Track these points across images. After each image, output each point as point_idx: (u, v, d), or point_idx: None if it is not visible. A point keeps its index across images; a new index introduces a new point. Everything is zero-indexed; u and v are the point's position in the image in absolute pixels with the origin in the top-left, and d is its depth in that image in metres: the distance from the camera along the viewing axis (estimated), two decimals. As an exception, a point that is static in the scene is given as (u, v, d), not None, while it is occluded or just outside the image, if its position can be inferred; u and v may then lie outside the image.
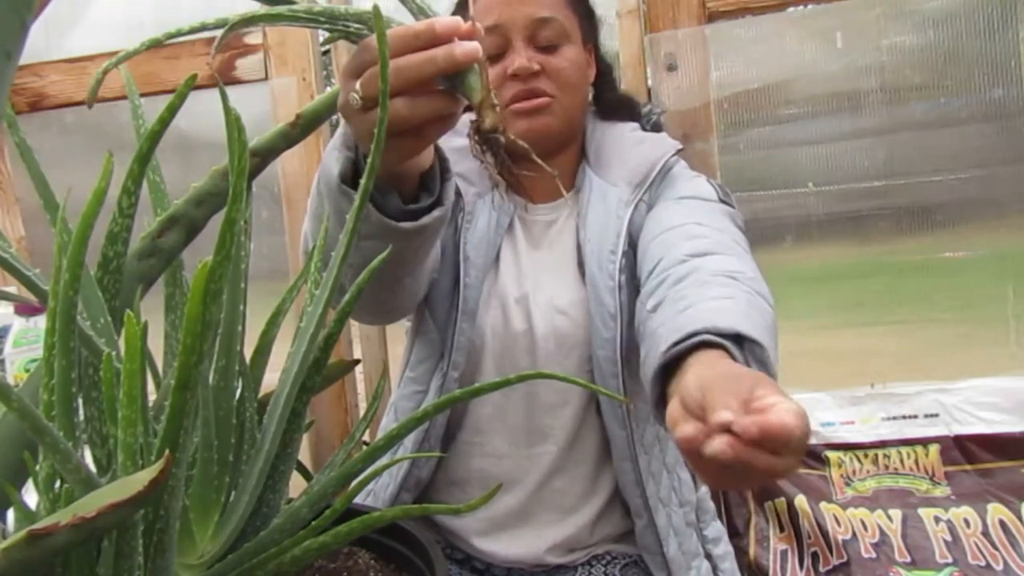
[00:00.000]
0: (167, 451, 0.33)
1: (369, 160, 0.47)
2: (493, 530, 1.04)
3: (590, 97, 1.13)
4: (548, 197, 1.08)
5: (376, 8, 0.48)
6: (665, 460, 1.04)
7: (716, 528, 1.10)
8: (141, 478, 0.32)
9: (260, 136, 0.49)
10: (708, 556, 1.05)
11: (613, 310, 0.98)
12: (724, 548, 1.09)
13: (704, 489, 1.11)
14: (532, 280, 1.04)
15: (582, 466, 1.04)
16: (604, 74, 1.14)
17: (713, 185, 1.04)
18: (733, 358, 0.64)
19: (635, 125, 1.13)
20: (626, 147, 1.08)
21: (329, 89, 0.50)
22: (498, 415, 1.03)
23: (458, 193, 1.03)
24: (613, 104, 1.14)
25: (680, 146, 1.10)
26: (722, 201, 1.01)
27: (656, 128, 1.16)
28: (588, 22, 1.09)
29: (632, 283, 0.99)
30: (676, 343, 0.66)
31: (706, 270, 0.79)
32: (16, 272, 0.44)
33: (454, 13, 1.09)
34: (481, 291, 1.02)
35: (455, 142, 1.04)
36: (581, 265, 1.03)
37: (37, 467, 0.42)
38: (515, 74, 0.99)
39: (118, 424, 0.37)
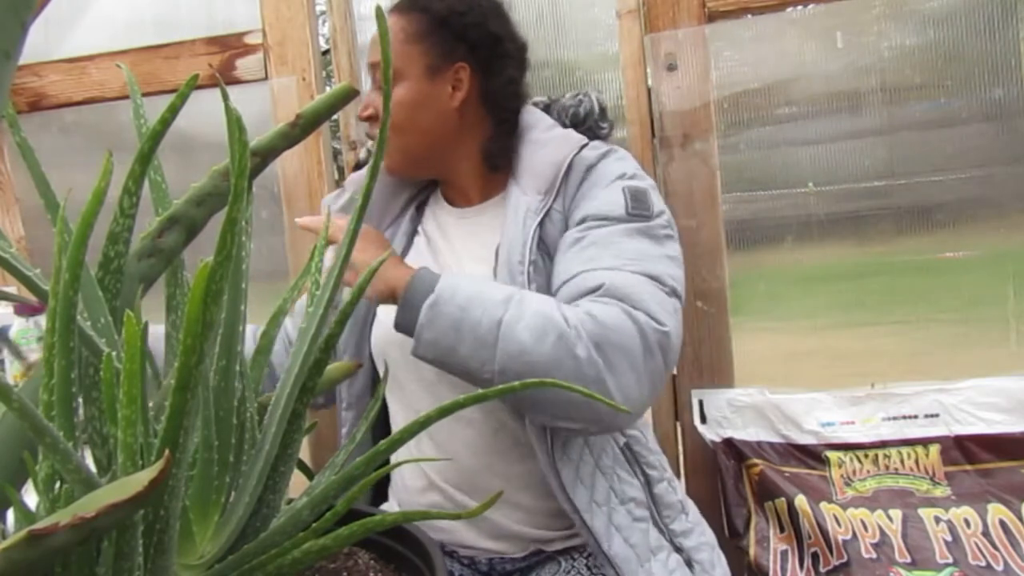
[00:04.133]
0: (167, 451, 0.33)
1: (372, 160, 0.47)
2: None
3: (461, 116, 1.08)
4: (468, 202, 1.15)
5: (379, 8, 0.48)
6: (599, 464, 1.03)
7: (685, 521, 1.08)
8: (141, 478, 0.32)
9: (260, 136, 0.49)
10: (679, 549, 1.04)
11: None
12: (698, 539, 1.07)
13: (663, 485, 1.08)
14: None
15: (507, 456, 1.05)
16: (492, 88, 1.08)
17: (626, 194, 0.99)
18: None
19: (549, 123, 1.10)
20: (534, 152, 1.07)
21: (329, 89, 0.50)
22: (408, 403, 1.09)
23: None
24: (507, 114, 1.10)
25: (584, 140, 1.05)
26: (630, 216, 0.97)
27: (577, 120, 1.15)
28: (447, 44, 1.05)
29: (544, 293, 0.99)
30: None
31: None
32: (16, 272, 0.44)
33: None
34: (365, 338, 1.12)
35: (339, 202, 1.13)
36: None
37: (37, 467, 0.42)
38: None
39: (118, 424, 0.37)
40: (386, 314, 1.08)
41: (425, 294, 0.89)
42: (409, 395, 1.09)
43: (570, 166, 1.03)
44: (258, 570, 0.47)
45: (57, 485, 0.42)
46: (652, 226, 0.98)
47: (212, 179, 0.48)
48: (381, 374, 1.02)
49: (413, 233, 1.16)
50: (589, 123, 1.16)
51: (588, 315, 0.87)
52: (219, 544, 0.48)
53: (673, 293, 0.94)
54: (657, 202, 1.01)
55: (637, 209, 0.98)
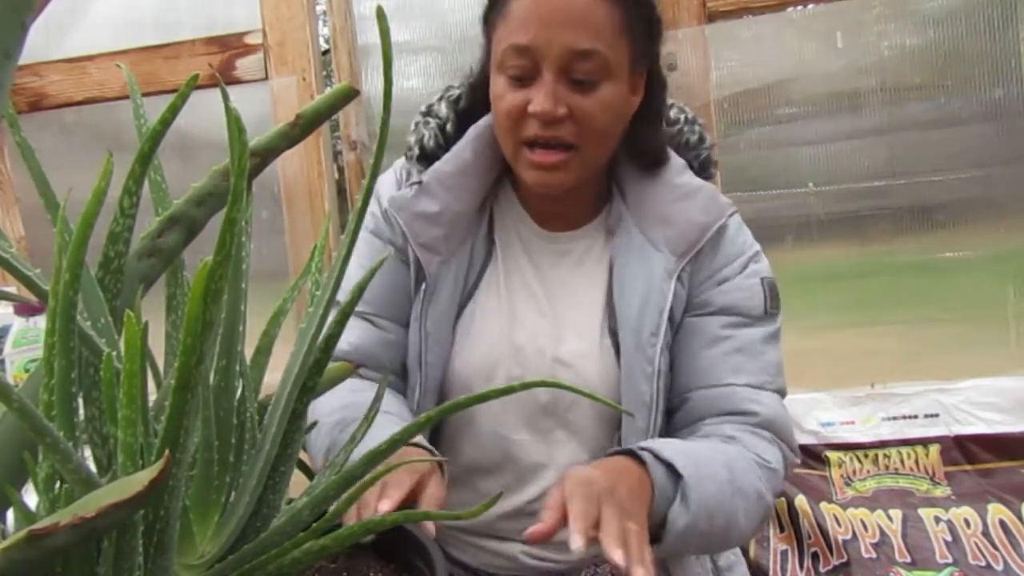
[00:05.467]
0: (167, 451, 0.33)
1: (373, 162, 0.47)
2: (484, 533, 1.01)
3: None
4: (550, 222, 1.01)
5: (380, 9, 0.48)
6: None
7: (728, 556, 1.05)
8: (141, 478, 0.32)
9: (260, 136, 0.49)
10: (717, 567, 1.02)
11: (648, 399, 0.92)
12: (728, 559, 1.05)
13: None
14: (531, 320, 0.97)
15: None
16: (651, 98, 0.95)
17: (764, 288, 0.95)
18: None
19: (681, 165, 0.98)
20: (672, 200, 0.95)
21: (329, 89, 0.50)
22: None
23: (419, 266, 0.95)
24: (644, 141, 0.97)
25: (733, 208, 0.97)
26: (767, 314, 0.94)
27: (705, 167, 1.02)
28: (645, 43, 0.92)
29: (670, 368, 0.94)
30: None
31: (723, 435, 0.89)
32: (16, 272, 0.44)
33: (485, 18, 0.95)
34: (443, 370, 0.96)
35: (420, 206, 0.95)
36: (613, 332, 0.95)
37: (37, 467, 0.42)
38: (535, 114, 0.87)
39: (118, 424, 0.37)
40: (472, 344, 0.97)
41: (666, 508, 0.78)
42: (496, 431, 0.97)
43: (714, 233, 0.94)
44: (258, 570, 0.47)
45: (57, 485, 0.42)
46: (779, 325, 0.97)
47: (212, 179, 0.48)
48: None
49: (490, 241, 1.00)
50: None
51: (771, 471, 0.88)
52: (219, 544, 0.48)
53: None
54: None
55: (773, 307, 0.95)
